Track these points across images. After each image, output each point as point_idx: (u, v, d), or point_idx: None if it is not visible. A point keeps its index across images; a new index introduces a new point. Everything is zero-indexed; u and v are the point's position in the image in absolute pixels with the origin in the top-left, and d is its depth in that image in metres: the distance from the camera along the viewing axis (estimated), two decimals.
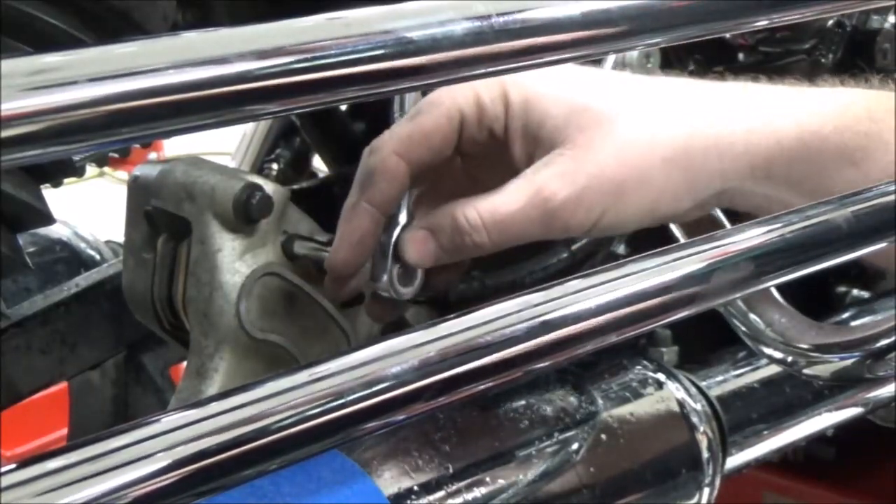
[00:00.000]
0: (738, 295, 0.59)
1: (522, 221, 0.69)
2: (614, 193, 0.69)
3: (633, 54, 0.91)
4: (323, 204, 0.85)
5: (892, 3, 1.00)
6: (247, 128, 1.28)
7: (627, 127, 0.70)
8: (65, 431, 1.08)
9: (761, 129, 0.72)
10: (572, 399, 0.80)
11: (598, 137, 0.70)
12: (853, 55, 1.12)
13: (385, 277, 0.71)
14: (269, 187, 0.74)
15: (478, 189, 0.71)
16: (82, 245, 1.16)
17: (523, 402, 0.78)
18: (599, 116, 0.70)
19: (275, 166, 1.21)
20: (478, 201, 0.69)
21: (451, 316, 0.50)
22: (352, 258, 0.71)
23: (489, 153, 0.74)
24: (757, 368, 0.95)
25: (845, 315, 1.06)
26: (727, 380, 0.93)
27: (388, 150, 0.71)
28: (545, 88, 0.72)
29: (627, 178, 0.69)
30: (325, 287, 0.75)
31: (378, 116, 1.10)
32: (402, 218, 0.72)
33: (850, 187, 0.64)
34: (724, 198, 0.74)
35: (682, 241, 0.81)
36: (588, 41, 0.51)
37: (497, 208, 0.69)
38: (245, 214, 0.73)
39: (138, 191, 0.78)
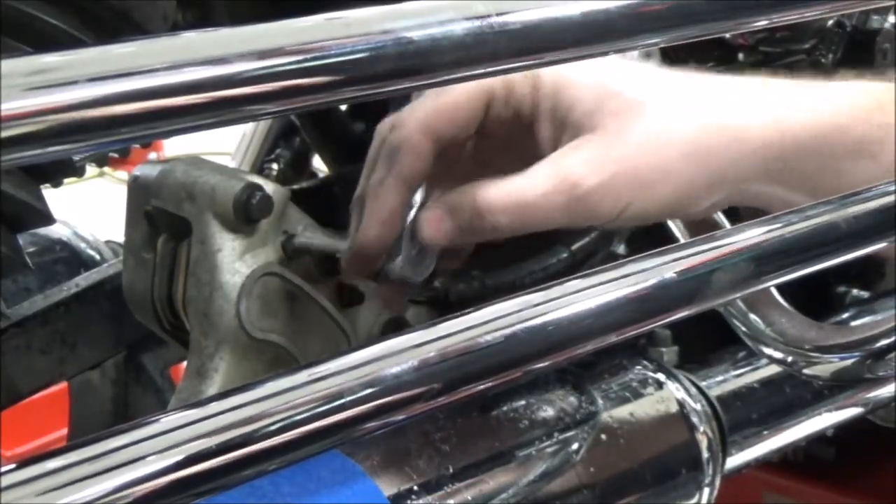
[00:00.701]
0: (737, 295, 0.59)
1: (546, 206, 0.68)
2: (641, 183, 0.68)
3: (634, 54, 0.91)
4: (323, 204, 0.85)
5: (892, 3, 1.00)
6: (246, 128, 1.28)
7: (656, 117, 0.69)
8: (65, 431, 1.08)
9: (780, 124, 0.71)
10: (572, 399, 0.80)
11: (628, 126, 0.69)
12: (853, 55, 1.12)
13: (400, 259, 0.70)
14: (269, 187, 0.74)
15: (490, 174, 0.70)
16: (82, 245, 1.15)
17: (523, 402, 0.78)
18: (629, 105, 0.69)
19: (275, 166, 1.21)
20: (499, 183, 0.68)
21: (451, 316, 0.50)
22: (383, 236, 0.70)
23: (512, 135, 0.73)
24: (757, 368, 0.95)
25: (845, 315, 1.06)
26: (727, 380, 0.93)
27: (413, 126, 0.71)
28: (576, 73, 0.71)
29: (656, 168, 0.69)
30: (346, 270, 0.74)
31: (378, 116, 1.10)
32: (418, 198, 0.71)
33: (867, 181, 0.64)
34: (744, 194, 0.73)
35: (682, 241, 0.81)
36: (588, 41, 0.51)
37: (520, 191, 0.68)
38: (245, 214, 0.73)
39: (138, 191, 0.78)
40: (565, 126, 0.70)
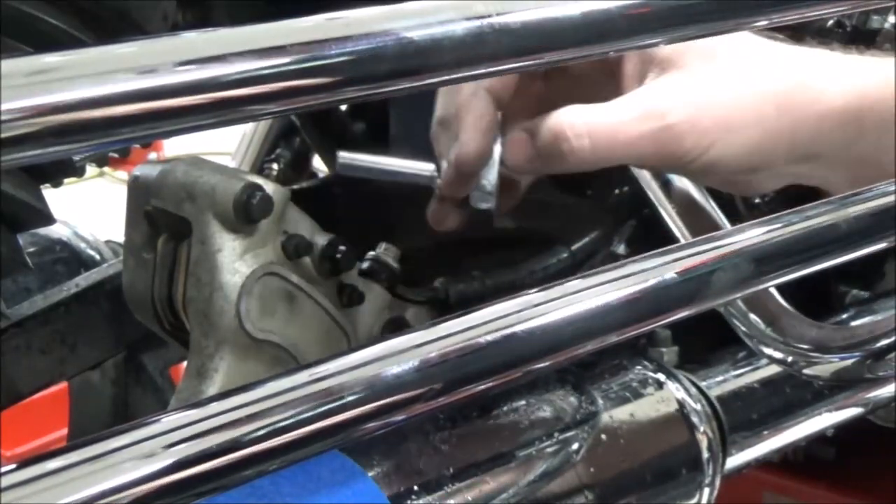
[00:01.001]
0: (738, 295, 0.60)
1: (630, 134, 0.67)
2: (726, 125, 0.68)
3: None
4: (323, 204, 0.85)
5: (892, 3, 1.00)
6: (247, 128, 1.28)
7: (744, 64, 0.70)
8: (65, 431, 1.08)
9: (859, 92, 0.71)
10: (572, 399, 0.80)
11: (716, 68, 0.69)
12: None
13: (480, 188, 0.70)
14: (269, 187, 0.74)
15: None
16: (82, 245, 1.15)
17: (523, 403, 0.78)
18: (718, 49, 0.70)
19: (275, 166, 1.21)
20: (584, 108, 0.68)
21: (452, 316, 0.50)
22: (483, 147, 0.70)
23: (596, 71, 0.73)
24: (757, 368, 0.95)
25: (845, 315, 1.06)
26: (727, 380, 0.93)
27: None
28: None
29: (739, 112, 0.69)
30: (446, 188, 0.74)
31: (378, 116, 1.10)
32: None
33: None
34: (811, 162, 0.73)
35: (683, 241, 0.81)
36: (588, 41, 0.51)
37: (606, 116, 0.67)
38: (245, 214, 0.73)
39: (138, 191, 0.78)
40: (652, 63, 0.70)
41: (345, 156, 0.78)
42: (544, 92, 0.74)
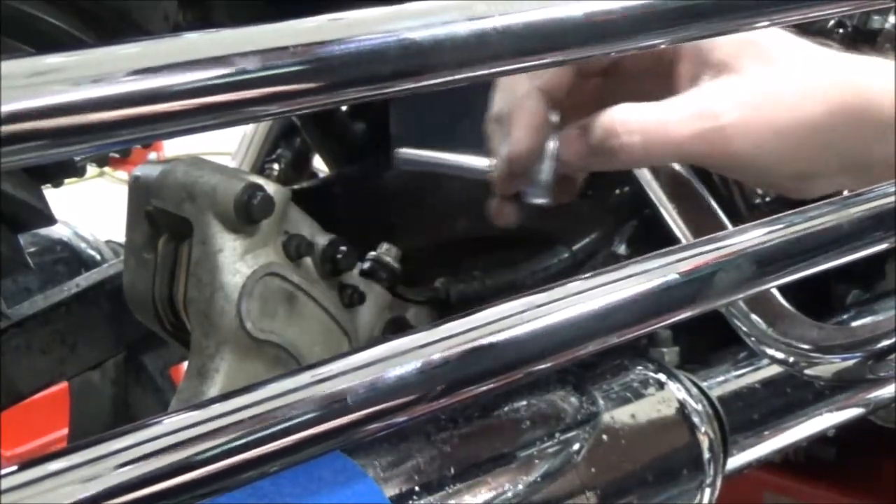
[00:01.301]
0: (740, 296, 0.59)
1: (682, 133, 0.68)
2: (777, 130, 0.69)
3: None
4: (323, 204, 0.85)
5: (892, 3, 1.00)
6: (247, 128, 1.28)
7: (799, 71, 0.70)
8: (65, 431, 1.08)
9: None
10: (573, 400, 0.80)
11: (772, 73, 0.70)
12: None
13: (536, 182, 0.72)
14: (270, 188, 0.74)
15: None
16: (83, 245, 1.15)
17: (525, 403, 0.78)
18: (774, 54, 0.70)
19: (275, 166, 1.21)
20: (637, 105, 0.69)
21: (453, 317, 0.50)
22: (534, 144, 0.72)
23: (650, 70, 0.74)
24: (758, 369, 0.95)
25: (846, 315, 1.06)
26: (728, 380, 0.93)
27: None
28: None
29: (792, 118, 0.69)
30: (500, 182, 0.75)
31: (378, 117, 1.10)
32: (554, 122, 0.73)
33: None
34: (861, 171, 0.73)
35: (684, 242, 0.81)
36: (589, 41, 0.51)
37: (658, 114, 0.69)
38: (246, 215, 0.73)
39: (139, 191, 0.78)
40: (707, 65, 0.71)
41: (404, 151, 0.80)
42: (600, 90, 0.75)
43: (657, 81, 0.73)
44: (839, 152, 0.71)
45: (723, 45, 0.70)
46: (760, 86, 0.69)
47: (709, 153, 0.70)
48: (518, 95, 0.72)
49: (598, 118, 0.69)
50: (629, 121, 0.68)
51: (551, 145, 0.71)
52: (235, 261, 0.73)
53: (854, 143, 0.71)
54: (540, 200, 0.73)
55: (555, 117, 0.73)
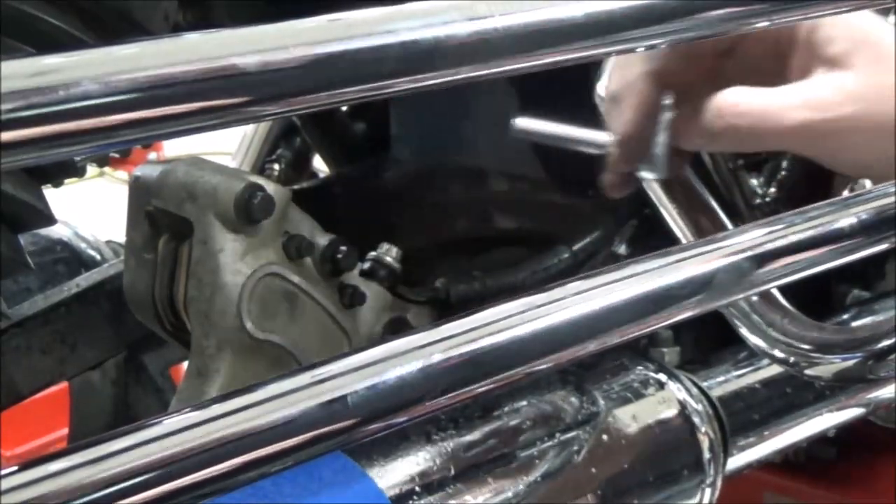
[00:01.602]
0: (740, 296, 0.59)
1: (790, 123, 0.69)
2: (884, 130, 0.70)
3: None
4: (323, 204, 0.85)
5: (892, 3, 1.00)
6: (247, 128, 1.28)
7: None
8: (65, 431, 1.08)
9: None
10: (574, 400, 0.80)
11: (884, 74, 0.71)
12: None
13: (648, 159, 0.74)
14: (270, 188, 0.74)
15: None
16: (83, 245, 1.15)
17: (525, 403, 0.78)
18: (886, 52, 0.71)
19: (276, 166, 1.21)
20: (748, 90, 0.71)
21: (454, 317, 0.50)
22: (643, 126, 0.74)
23: (763, 60, 0.75)
24: (758, 369, 0.95)
25: (846, 315, 1.06)
26: (728, 380, 0.93)
27: None
28: None
29: None
30: (613, 161, 0.77)
31: (378, 117, 1.10)
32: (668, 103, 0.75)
33: None
34: None
35: (684, 241, 0.81)
36: (590, 41, 0.51)
37: (767, 101, 0.70)
38: (247, 215, 0.73)
39: (140, 191, 0.78)
40: (820, 60, 0.72)
41: (521, 120, 0.82)
42: (714, 73, 0.77)
43: (770, 70, 0.74)
44: None
45: (837, 41, 0.72)
46: (873, 85, 0.70)
47: (813, 144, 0.71)
48: (630, 79, 0.75)
49: (708, 101, 0.71)
50: (740, 104, 0.70)
51: (664, 124, 0.74)
52: (236, 261, 0.73)
53: None
54: (651, 176, 0.76)
55: (668, 99, 0.74)
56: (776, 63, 0.74)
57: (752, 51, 0.75)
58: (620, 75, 0.77)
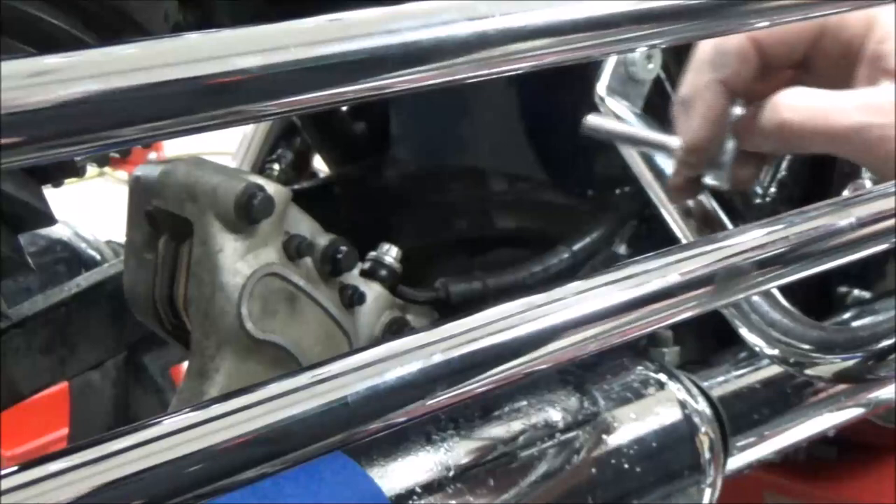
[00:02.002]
0: (740, 297, 0.59)
1: (844, 124, 0.70)
2: None
3: (636, 54, 0.91)
4: (323, 204, 0.85)
5: (893, 3, 1.00)
6: (247, 128, 1.28)
7: None
8: (65, 431, 1.08)
9: None
10: (574, 400, 0.80)
11: None
12: None
13: (717, 166, 0.75)
14: (270, 188, 0.74)
15: None
16: (83, 245, 1.15)
17: (525, 403, 0.78)
18: None
19: (276, 167, 1.21)
20: (807, 90, 0.72)
21: (454, 318, 0.50)
22: (709, 135, 0.74)
23: (832, 72, 0.76)
24: (758, 369, 0.95)
25: (846, 315, 1.06)
26: (728, 380, 0.93)
27: (744, 35, 0.74)
28: None
29: None
30: (680, 166, 0.78)
31: (378, 117, 1.10)
32: (737, 112, 0.75)
33: None
34: None
35: (684, 241, 0.81)
36: (590, 41, 0.51)
37: (824, 101, 0.71)
38: (247, 215, 0.73)
39: (140, 191, 0.78)
40: (884, 71, 0.73)
41: (592, 118, 0.82)
42: (787, 84, 0.77)
43: (838, 81, 0.75)
44: None
45: None
46: None
47: (863, 148, 0.71)
48: (699, 86, 0.75)
49: (767, 101, 0.72)
50: (795, 101, 0.71)
51: (733, 132, 0.74)
52: (236, 261, 0.73)
53: None
54: (717, 184, 0.76)
55: (738, 109, 0.75)
56: (845, 74, 0.75)
57: (825, 60, 0.76)
58: (692, 81, 0.77)
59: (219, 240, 0.73)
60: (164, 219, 0.76)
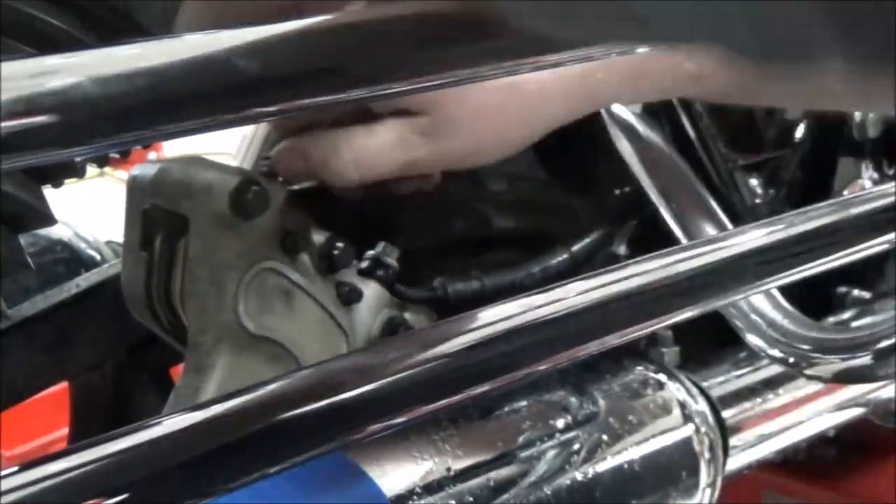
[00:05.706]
0: (740, 297, 0.59)
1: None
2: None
3: None
4: (323, 203, 0.85)
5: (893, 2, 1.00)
6: (247, 128, 1.28)
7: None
8: (65, 431, 1.08)
9: None
10: (573, 400, 0.80)
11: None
12: None
13: None
14: (266, 183, 0.74)
15: None
16: (83, 245, 1.15)
17: (525, 403, 0.78)
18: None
19: None
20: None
21: (453, 318, 0.50)
22: None
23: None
24: (758, 369, 0.95)
25: (846, 315, 1.06)
26: (728, 380, 0.93)
27: None
28: None
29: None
30: None
31: None
32: None
33: None
34: None
35: (684, 242, 0.81)
36: (591, 41, 0.51)
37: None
38: (242, 210, 0.72)
39: (136, 190, 0.78)
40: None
41: None
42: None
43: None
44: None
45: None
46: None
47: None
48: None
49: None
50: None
51: None
52: (232, 256, 0.73)
53: None
54: None
55: None
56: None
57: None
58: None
59: (214, 235, 0.73)
60: (160, 217, 0.76)
